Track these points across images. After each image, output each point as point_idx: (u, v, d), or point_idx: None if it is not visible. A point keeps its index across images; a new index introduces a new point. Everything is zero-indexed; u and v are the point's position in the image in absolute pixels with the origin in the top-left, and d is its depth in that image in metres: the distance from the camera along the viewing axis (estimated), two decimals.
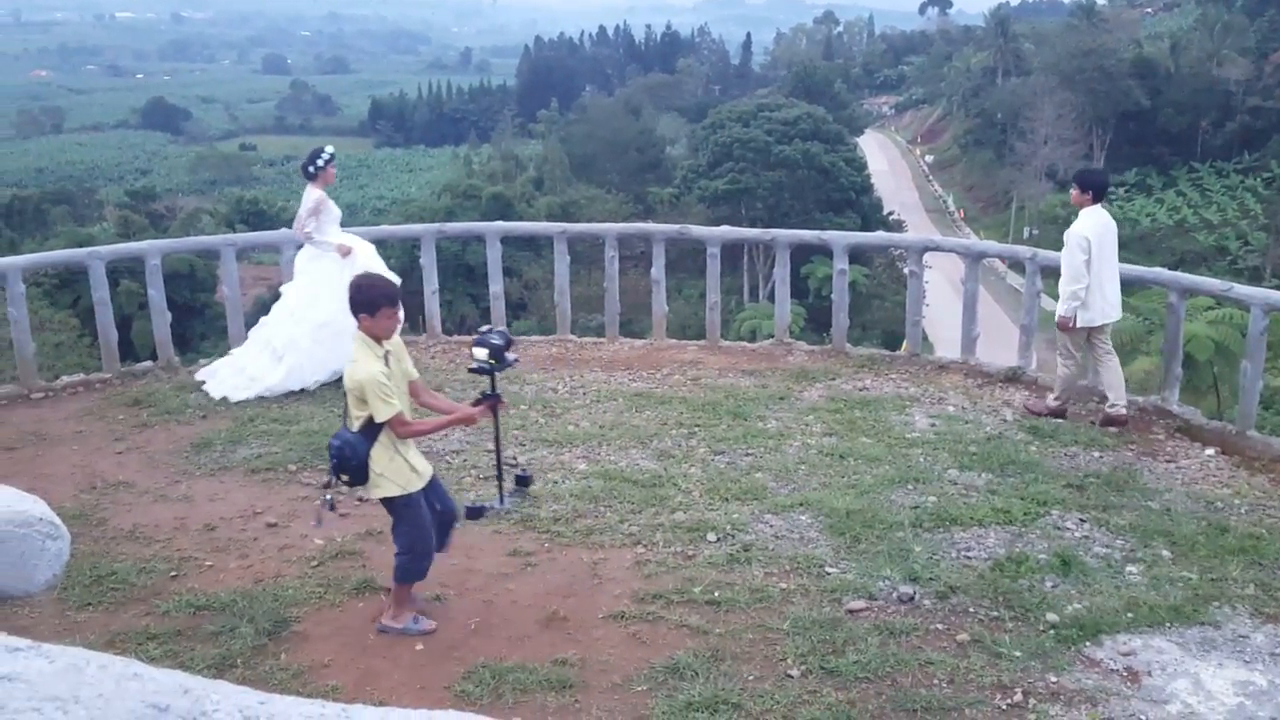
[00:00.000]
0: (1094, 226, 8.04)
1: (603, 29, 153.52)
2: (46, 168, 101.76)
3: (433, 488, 5.36)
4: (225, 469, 7.35)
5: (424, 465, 5.32)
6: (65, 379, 9.67)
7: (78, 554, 5.55)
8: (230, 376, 9.03)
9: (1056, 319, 8.19)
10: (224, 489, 7.03)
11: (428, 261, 10.59)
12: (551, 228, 11.41)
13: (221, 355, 9.86)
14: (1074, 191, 8.44)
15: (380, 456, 5.10)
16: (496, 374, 5.81)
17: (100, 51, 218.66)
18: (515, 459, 7.33)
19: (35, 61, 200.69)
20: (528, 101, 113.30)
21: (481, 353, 5.81)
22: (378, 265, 9.13)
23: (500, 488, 6.42)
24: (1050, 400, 8.43)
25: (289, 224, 9.77)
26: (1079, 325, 8.12)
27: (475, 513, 6.22)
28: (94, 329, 10.79)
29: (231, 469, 7.35)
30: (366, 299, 5.09)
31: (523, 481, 6.59)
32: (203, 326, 39.34)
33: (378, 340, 5.14)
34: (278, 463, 7.37)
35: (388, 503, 5.24)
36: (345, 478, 5.13)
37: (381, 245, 11.45)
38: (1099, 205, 8.21)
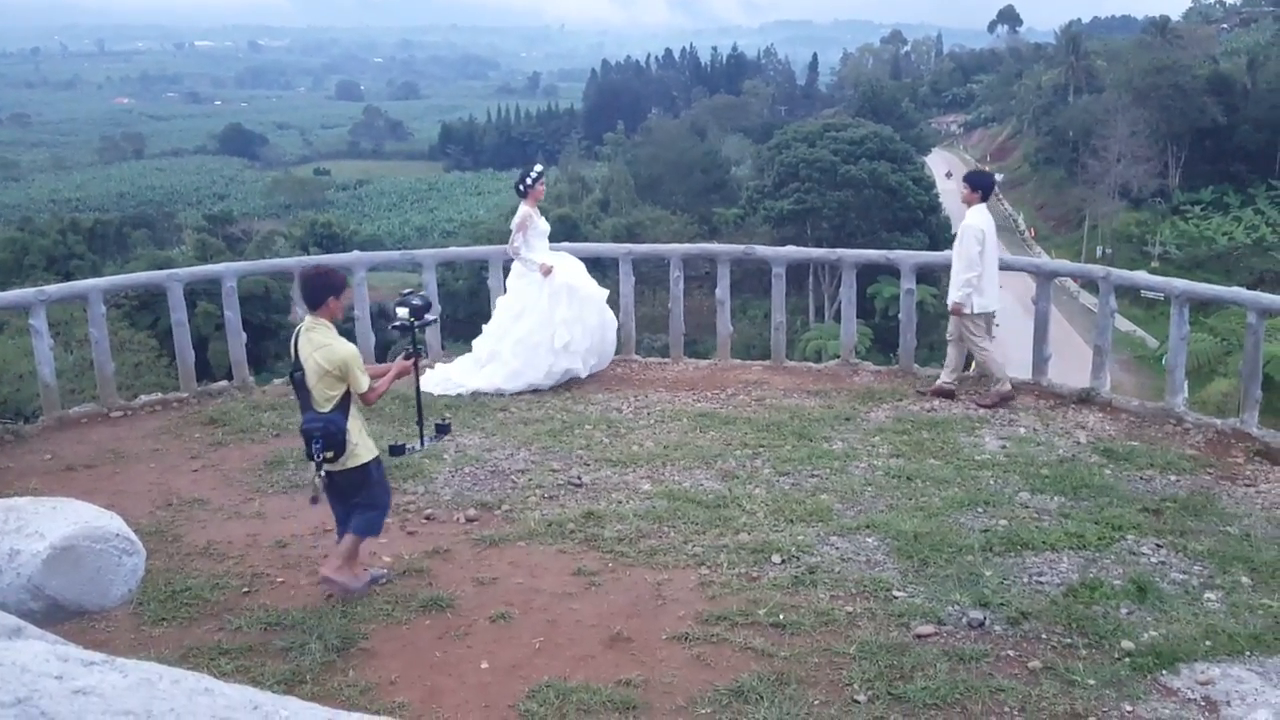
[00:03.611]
0: (984, 221, 9.05)
1: (669, 52, 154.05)
2: (128, 193, 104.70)
3: None
4: (297, 487, 7.47)
5: None
6: (143, 398, 9.92)
7: (153, 569, 5.68)
8: (435, 374, 9.63)
9: (951, 305, 9.07)
10: (296, 506, 7.14)
11: (495, 283, 10.70)
12: (617, 249, 11.47)
13: None
14: (964, 190, 9.35)
15: (354, 428, 5.66)
16: (416, 330, 6.35)
17: (180, 79, 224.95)
18: (580, 478, 7.37)
19: (118, 89, 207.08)
20: (594, 124, 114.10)
21: (403, 311, 6.32)
22: (584, 280, 9.60)
23: (421, 433, 6.74)
24: (997, 388, 9.01)
25: (361, 246, 10.20)
26: (975, 311, 8.99)
27: (397, 450, 6.59)
28: (172, 349, 11.05)
29: (304, 487, 7.44)
30: (333, 283, 5.69)
31: (442, 429, 6.87)
32: (277, 347, 40.04)
33: (334, 323, 5.70)
34: None
35: (361, 471, 5.71)
36: (331, 454, 5.57)
37: (450, 267, 11.59)
38: (984, 204, 9.17)
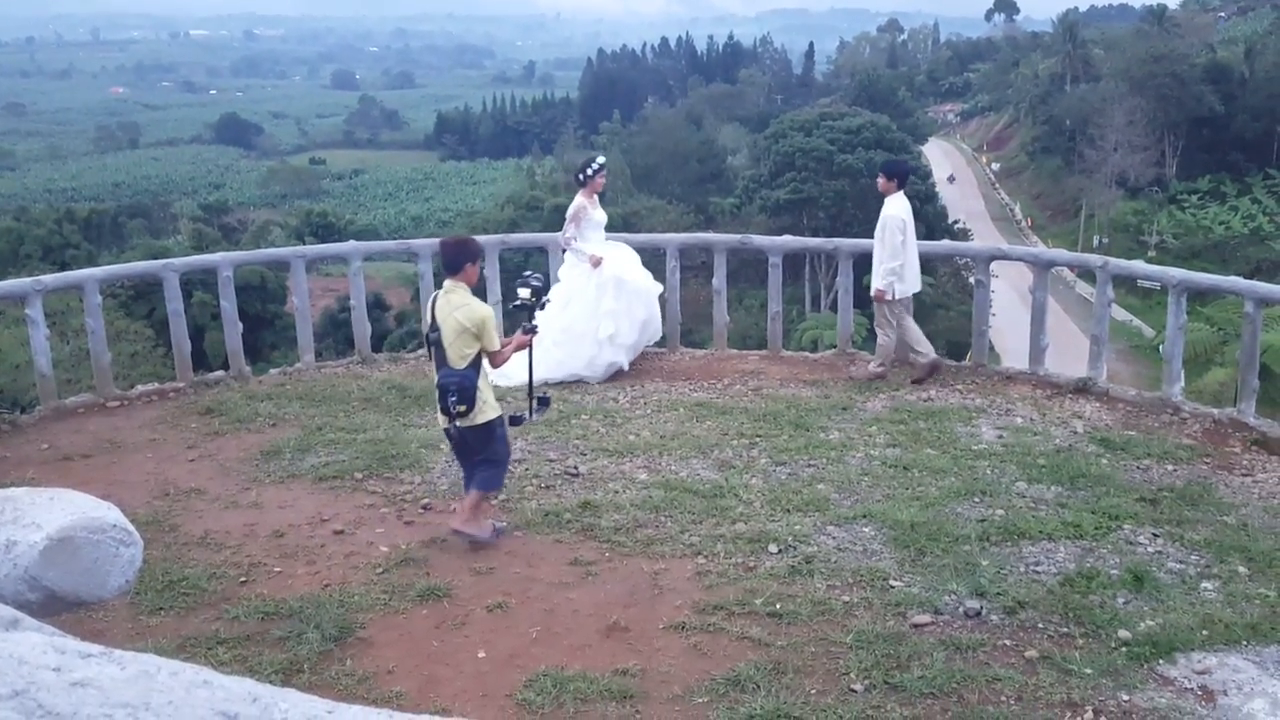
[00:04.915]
0: (904, 210, 9.32)
1: (665, 40, 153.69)
2: (123, 182, 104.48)
3: None
4: (294, 476, 7.47)
5: None
6: (140, 388, 9.90)
7: (150, 559, 5.68)
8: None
9: (874, 292, 9.37)
10: (292, 496, 7.14)
11: (491, 273, 10.68)
12: (613, 238, 11.44)
13: (291, 364, 10.12)
14: (881, 179, 9.55)
15: (483, 386, 6.18)
16: (534, 309, 6.71)
17: (175, 69, 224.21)
18: (576, 468, 7.37)
19: (113, 79, 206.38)
20: (590, 113, 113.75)
21: (524, 292, 6.70)
22: (634, 273, 9.57)
23: (531, 405, 7.04)
24: (873, 366, 9.50)
25: (357, 236, 10.21)
26: (896, 297, 9.31)
27: (516, 420, 6.86)
28: (168, 339, 11.04)
29: (300, 476, 7.46)
30: (471, 250, 6.34)
31: (543, 402, 7.18)
32: (273, 337, 40.05)
33: (470, 287, 6.25)
34: (345, 470, 7.47)
35: (488, 427, 6.19)
36: (463, 408, 6.04)
37: None
38: (901, 192, 9.40)
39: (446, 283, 6.21)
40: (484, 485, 6.30)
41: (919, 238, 9.83)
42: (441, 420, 6.24)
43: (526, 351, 6.93)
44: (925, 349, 9.47)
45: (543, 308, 6.87)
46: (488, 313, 6.15)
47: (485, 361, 6.24)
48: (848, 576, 5.78)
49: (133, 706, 1.04)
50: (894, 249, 9.20)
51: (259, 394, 9.41)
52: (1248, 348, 8.51)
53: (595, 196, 9.60)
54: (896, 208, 9.29)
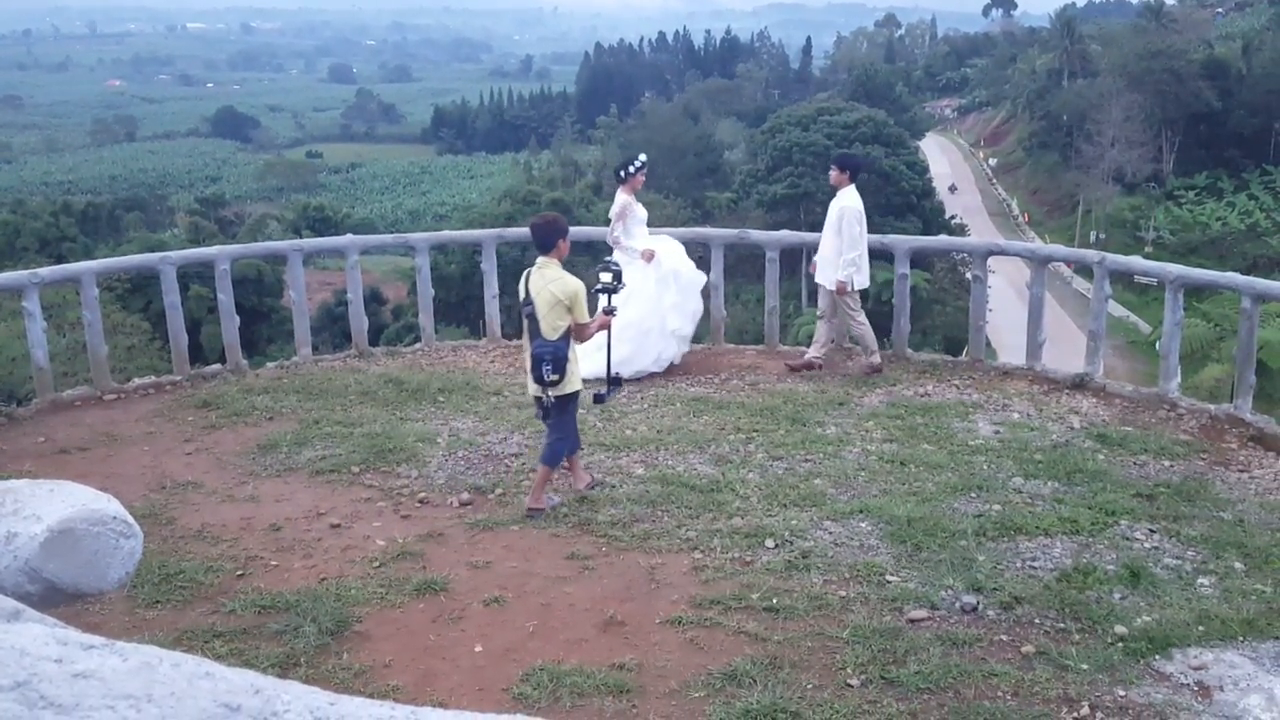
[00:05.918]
0: (859, 202, 9.46)
1: (662, 35, 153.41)
2: (120, 175, 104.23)
3: None
4: (290, 470, 7.47)
5: None
6: (137, 381, 9.89)
7: (147, 552, 5.65)
8: None
9: (835, 285, 9.40)
10: (289, 490, 7.14)
11: (488, 266, 10.68)
12: (610, 233, 11.42)
13: (288, 358, 10.12)
14: (834, 172, 9.68)
15: (572, 358, 6.51)
16: (614, 293, 7.07)
17: (172, 61, 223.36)
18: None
19: (110, 72, 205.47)
20: (587, 108, 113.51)
21: (606, 276, 7.02)
22: (685, 265, 9.74)
23: (608, 385, 7.36)
24: (869, 359, 9.52)
25: (354, 230, 10.19)
26: (855, 288, 9.43)
27: (600, 399, 7.34)
28: (165, 332, 11.03)
29: (296, 470, 7.46)
30: (561, 227, 6.64)
31: (615, 383, 7.54)
32: (270, 330, 39.97)
33: (561, 262, 6.61)
34: (341, 464, 7.47)
35: (569, 398, 6.56)
36: (556, 377, 6.36)
37: (443, 250, 11.57)
38: (853, 185, 9.51)
39: (539, 259, 6.55)
40: (548, 460, 6.61)
41: (915, 232, 9.87)
42: (533, 389, 6.56)
43: (605, 334, 7.14)
44: (818, 353, 9.66)
45: (621, 286, 7.13)
46: (580, 286, 6.48)
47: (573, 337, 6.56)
48: (844, 572, 5.79)
49: (135, 698, 1.04)
50: (852, 240, 9.31)
51: (256, 388, 9.40)
52: (1244, 344, 8.52)
53: (634, 193, 9.55)
54: (852, 200, 9.39)
